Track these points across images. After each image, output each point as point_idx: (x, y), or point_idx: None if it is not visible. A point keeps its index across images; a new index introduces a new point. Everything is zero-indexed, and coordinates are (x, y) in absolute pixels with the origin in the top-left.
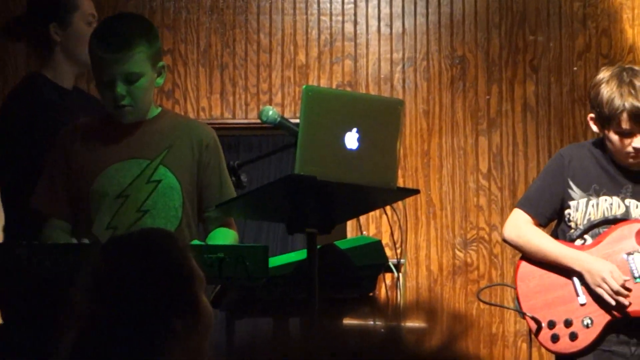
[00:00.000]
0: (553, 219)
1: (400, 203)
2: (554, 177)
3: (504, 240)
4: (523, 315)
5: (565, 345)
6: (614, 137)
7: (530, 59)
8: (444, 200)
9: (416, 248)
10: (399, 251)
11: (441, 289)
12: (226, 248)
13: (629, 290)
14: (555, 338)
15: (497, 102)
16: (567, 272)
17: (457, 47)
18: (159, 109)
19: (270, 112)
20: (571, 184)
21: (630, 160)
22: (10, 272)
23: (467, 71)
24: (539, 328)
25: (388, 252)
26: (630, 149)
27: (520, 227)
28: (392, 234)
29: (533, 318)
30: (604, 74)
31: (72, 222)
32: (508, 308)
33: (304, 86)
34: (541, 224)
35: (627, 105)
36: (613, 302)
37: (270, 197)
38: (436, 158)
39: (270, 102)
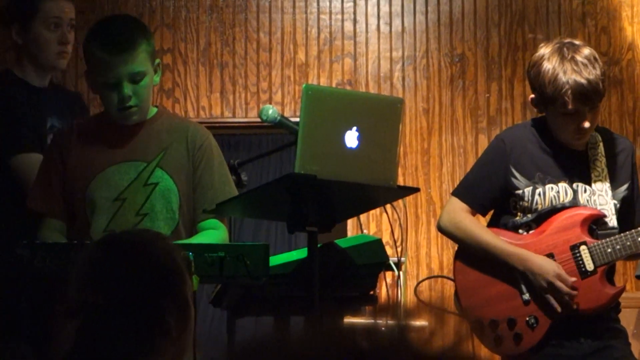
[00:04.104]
0: (492, 209)
1: (400, 201)
2: (493, 165)
3: (439, 230)
4: (462, 314)
5: (509, 347)
6: (559, 119)
7: (529, 57)
8: (444, 199)
9: (417, 246)
10: (399, 249)
11: (442, 287)
12: (227, 247)
13: (575, 289)
14: (498, 340)
15: (497, 100)
16: (508, 266)
17: (456, 45)
18: (156, 109)
19: (270, 111)
20: (514, 172)
21: (576, 140)
22: (12, 271)
23: (467, 69)
24: (481, 328)
25: (388, 251)
26: (576, 130)
27: (458, 217)
28: (392, 233)
29: (474, 319)
30: (543, 50)
31: (66, 222)
32: (444, 311)
33: (303, 85)
34: (479, 213)
35: (571, 83)
36: (559, 309)
37: (271, 195)
38: (436, 156)
39: (270, 100)
